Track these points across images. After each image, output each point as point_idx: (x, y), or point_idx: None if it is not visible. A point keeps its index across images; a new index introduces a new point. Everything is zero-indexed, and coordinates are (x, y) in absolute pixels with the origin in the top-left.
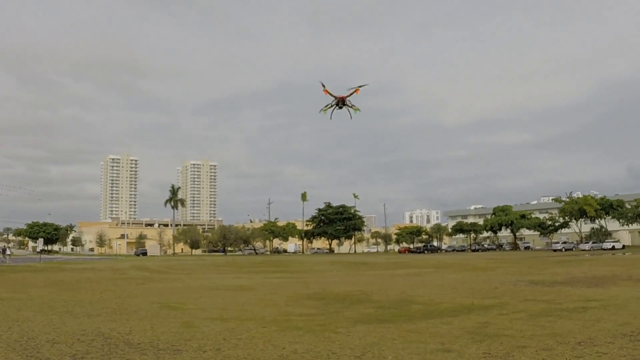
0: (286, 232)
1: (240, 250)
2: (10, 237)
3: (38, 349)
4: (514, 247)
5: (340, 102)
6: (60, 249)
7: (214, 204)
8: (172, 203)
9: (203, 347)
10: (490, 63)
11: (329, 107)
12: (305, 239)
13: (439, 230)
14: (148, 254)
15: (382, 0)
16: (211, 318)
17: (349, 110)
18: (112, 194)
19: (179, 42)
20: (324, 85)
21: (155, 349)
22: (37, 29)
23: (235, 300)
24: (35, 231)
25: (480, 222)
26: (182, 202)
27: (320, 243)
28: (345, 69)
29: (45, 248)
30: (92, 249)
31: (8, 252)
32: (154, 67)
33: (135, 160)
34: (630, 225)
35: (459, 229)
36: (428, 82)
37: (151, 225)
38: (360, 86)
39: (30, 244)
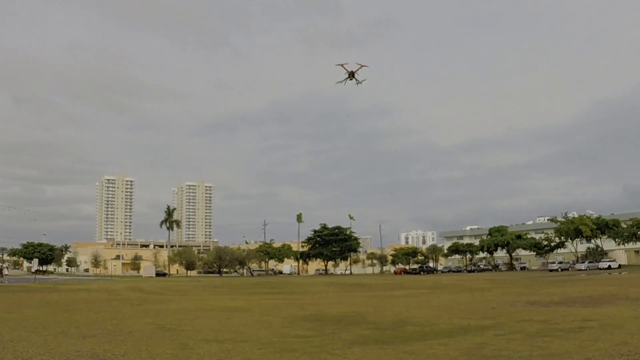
0: (282, 253)
1: (236, 271)
2: (5, 257)
3: None
4: (510, 267)
5: (350, 75)
6: (55, 269)
7: (210, 225)
8: (168, 224)
9: None
10: (484, 83)
11: (344, 81)
12: (300, 260)
13: (434, 251)
14: (163, 274)
15: (377, 22)
16: (206, 340)
17: (357, 81)
18: (107, 214)
19: (176, 63)
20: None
21: None
22: (33, 48)
23: (231, 321)
24: (30, 251)
25: (476, 242)
26: (178, 223)
27: (315, 264)
28: (341, 90)
29: (40, 268)
30: (87, 270)
31: (6, 272)
32: (151, 88)
33: (131, 181)
34: (626, 244)
35: (455, 249)
36: (422, 103)
37: (146, 246)
38: (363, 65)
39: (25, 264)
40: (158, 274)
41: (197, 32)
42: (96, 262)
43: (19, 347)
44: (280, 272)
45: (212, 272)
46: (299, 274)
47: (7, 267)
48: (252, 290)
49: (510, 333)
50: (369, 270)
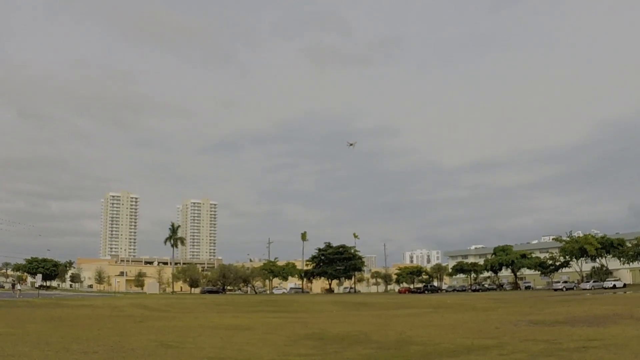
0: (286, 271)
1: (240, 289)
2: (9, 272)
3: None
4: (515, 286)
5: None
6: (59, 285)
7: (214, 243)
8: (172, 241)
9: None
10: (488, 103)
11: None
12: (305, 279)
13: (439, 270)
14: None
15: (384, 40)
16: (208, 357)
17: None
18: (112, 231)
19: (182, 80)
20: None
21: None
22: (39, 64)
23: (234, 339)
24: (34, 267)
25: (481, 262)
26: (182, 240)
27: (320, 283)
28: (346, 110)
29: (44, 284)
30: (91, 286)
31: (18, 287)
32: (157, 105)
33: (136, 198)
34: (631, 263)
35: (460, 269)
36: (426, 123)
37: (150, 263)
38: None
39: (29, 279)
40: (210, 292)
41: (204, 50)
42: (100, 278)
43: None
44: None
45: (215, 292)
46: (303, 291)
47: (19, 282)
48: (255, 308)
49: (513, 353)
50: (373, 289)
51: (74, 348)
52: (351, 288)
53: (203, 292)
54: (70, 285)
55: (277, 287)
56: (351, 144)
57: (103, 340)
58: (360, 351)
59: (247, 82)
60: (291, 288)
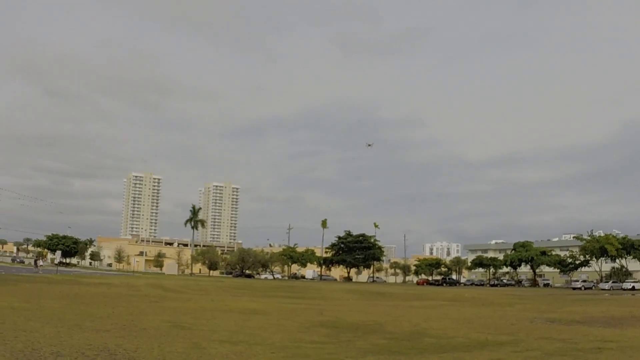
0: (305, 258)
1: (258, 274)
2: (30, 247)
3: None
4: (533, 283)
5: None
6: (78, 262)
7: (235, 227)
8: (192, 223)
9: None
10: (515, 98)
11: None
12: (323, 266)
13: (458, 263)
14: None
15: (413, 30)
16: (220, 340)
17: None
18: (133, 211)
19: (210, 64)
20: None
21: None
22: (67, 43)
23: (247, 323)
24: (54, 243)
25: (500, 257)
26: (202, 222)
27: (338, 271)
28: (372, 99)
29: (63, 260)
30: (110, 264)
31: (40, 262)
32: (183, 88)
33: (158, 179)
34: None
35: (479, 263)
36: (452, 115)
37: (170, 244)
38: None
39: (49, 255)
40: (248, 275)
41: (233, 34)
42: (119, 257)
43: (31, 337)
44: (303, 277)
45: (247, 276)
46: (320, 279)
47: (41, 258)
48: (272, 293)
49: (527, 350)
50: (391, 279)
51: (87, 325)
52: (377, 277)
53: (235, 276)
54: (90, 263)
55: (296, 273)
56: (369, 145)
57: (116, 318)
58: (374, 341)
59: (275, 68)
60: (318, 275)
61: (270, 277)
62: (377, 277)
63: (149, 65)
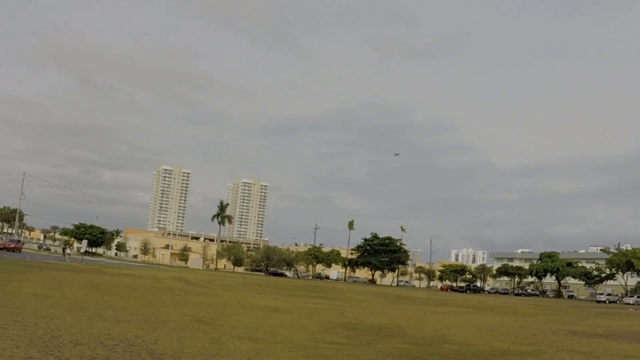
0: (330, 258)
1: (302, 273)
2: (57, 235)
3: (59, 348)
4: (558, 294)
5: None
6: (104, 252)
7: (261, 224)
8: (219, 219)
9: None
10: (547, 108)
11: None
12: (348, 267)
13: (483, 270)
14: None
15: (449, 36)
16: (240, 337)
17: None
18: (161, 203)
19: (244, 60)
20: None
21: None
22: (102, 35)
23: (268, 321)
24: (81, 232)
25: (526, 266)
26: (230, 218)
27: (363, 273)
28: (405, 103)
29: (89, 250)
30: (135, 256)
31: (68, 251)
32: (216, 83)
33: (188, 173)
34: None
35: (504, 271)
36: (483, 122)
37: (197, 238)
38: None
39: (76, 244)
40: (275, 274)
41: (268, 31)
42: (145, 249)
43: (51, 324)
44: (327, 277)
45: (279, 275)
46: (345, 280)
47: (69, 247)
48: (296, 292)
49: None
50: (416, 283)
51: (108, 315)
52: (406, 281)
53: (268, 274)
54: (116, 254)
55: (320, 273)
56: (397, 154)
57: (138, 310)
58: (394, 345)
59: (309, 68)
60: (349, 277)
61: (295, 276)
62: (406, 282)
63: (183, 60)
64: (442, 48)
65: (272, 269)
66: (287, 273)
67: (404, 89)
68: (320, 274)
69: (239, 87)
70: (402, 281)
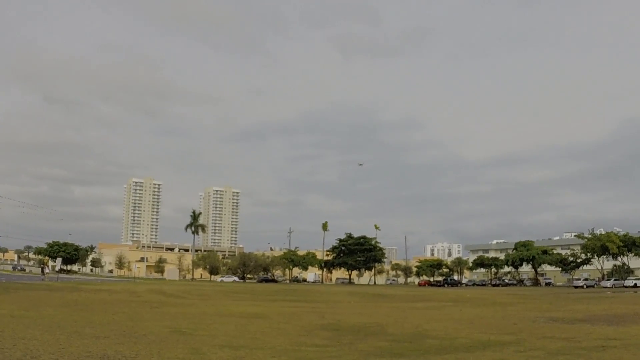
0: (306, 261)
1: (285, 278)
2: (31, 255)
3: None
4: (535, 282)
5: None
6: (79, 269)
7: (235, 231)
8: (193, 228)
9: None
10: (514, 98)
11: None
12: (325, 269)
13: (459, 264)
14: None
15: (413, 31)
16: (220, 345)
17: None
18: (134, 216)
19: (209, 67)
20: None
21: None
22: (65, 48)
23: (248, 328)
24: (55, 250)
25: (502, 256)
26: (203, 227)
27: (340, 273)
28: (372, 102)
29: (64, 268)
30: (111, 271)
31: (47, 270)
32: (182, 92)
33: (159, 184)
34: None
35: (480, 263)
36: (451, 116)
37: (171, 249)
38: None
39: (50, 263)
40: (266, 280)
41: (232, 37)
42: (120, 264)
43: (29, 345)
44: (304, 280)
45: (271, 281)
46: (322, 282)
47: (48, 266)
48: (273, 297)
49: (530, 350)
50: (388, 281)
51: (86, 332)
52: (393, 279)
53: (259, 281)
54: (91, 270)
55: (297, 276)
56: (360, 165)
57: (117, 325)
58: (375, 343)
59: (274, 71)
60: (337, 279)
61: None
62: (393, 279)
63: (148, 70)
64: (406, 45)
65: (262, 275)
66: (279, 279)
67: (370, 87)
68: (297, 277)
69: (206, 94)
70: (389, 279)
